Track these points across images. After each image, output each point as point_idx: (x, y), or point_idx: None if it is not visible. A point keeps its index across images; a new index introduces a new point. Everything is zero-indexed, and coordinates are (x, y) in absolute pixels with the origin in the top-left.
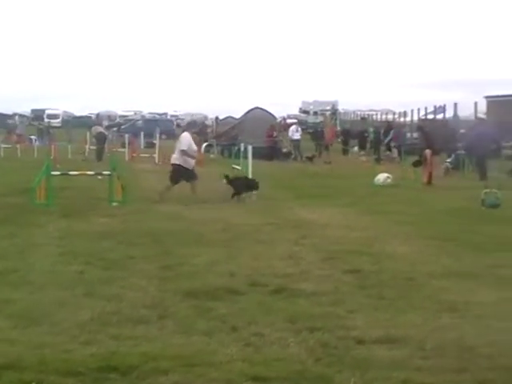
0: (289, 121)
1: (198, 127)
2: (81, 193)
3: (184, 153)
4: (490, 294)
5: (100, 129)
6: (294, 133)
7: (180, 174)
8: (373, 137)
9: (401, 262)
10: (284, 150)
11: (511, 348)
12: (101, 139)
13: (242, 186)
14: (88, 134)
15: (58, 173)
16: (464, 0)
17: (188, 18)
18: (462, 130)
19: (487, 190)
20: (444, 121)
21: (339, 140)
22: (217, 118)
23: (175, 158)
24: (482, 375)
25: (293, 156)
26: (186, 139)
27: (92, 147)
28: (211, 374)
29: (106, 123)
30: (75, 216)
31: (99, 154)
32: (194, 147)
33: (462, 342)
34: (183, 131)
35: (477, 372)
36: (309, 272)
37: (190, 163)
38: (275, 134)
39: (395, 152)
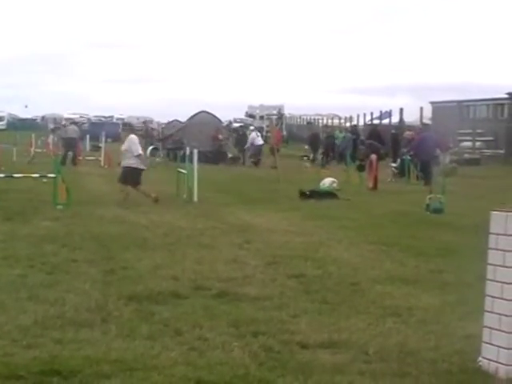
0: (235, 125)
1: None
2: (25, 195)
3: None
4: (433, 298)
5: (74, 133)
6: (256, 138)
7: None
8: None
9: (345, 267)
10: (230, 155)
11: (453, 353)
12: (71, 144)
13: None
14: (33, 135)
15: (2, 175)
16: (406, 6)
17: (134, 22)
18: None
19: (431, 195)
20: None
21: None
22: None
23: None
24: (425, 380)
25: (241, 160)
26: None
27: (37, 150)
28: (154, 378)
29: (51, 126)
30: (18, 219)
31: (73, 159)
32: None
33: (405, 346)
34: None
35: (419, 376)
36: (253, 276)
37: None
38: (221, 137)
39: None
